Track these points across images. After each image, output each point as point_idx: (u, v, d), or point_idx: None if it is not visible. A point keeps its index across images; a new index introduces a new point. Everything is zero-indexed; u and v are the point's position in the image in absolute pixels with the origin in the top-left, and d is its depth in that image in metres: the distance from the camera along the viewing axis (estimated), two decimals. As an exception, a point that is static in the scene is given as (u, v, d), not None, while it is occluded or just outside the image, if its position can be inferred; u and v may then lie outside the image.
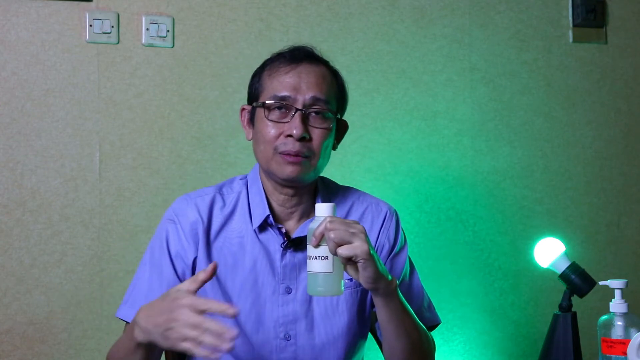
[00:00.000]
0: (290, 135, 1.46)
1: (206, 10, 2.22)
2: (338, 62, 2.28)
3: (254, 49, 2.22)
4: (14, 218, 2.09)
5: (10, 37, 2.10)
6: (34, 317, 2.09)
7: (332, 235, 1.26)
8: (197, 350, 1.19)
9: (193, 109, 2.20)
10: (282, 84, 1.49)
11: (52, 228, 2.10)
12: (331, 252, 1.27)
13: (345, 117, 1.54)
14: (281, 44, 1.60)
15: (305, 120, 1.47)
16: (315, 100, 1.48)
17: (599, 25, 2.50)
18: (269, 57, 1.57)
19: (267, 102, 1.49)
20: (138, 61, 2.17)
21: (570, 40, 2.48)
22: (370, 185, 2.29)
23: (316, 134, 1.48)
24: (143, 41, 2.16)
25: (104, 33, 2.13)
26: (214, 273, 1.26)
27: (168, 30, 2.18)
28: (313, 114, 1.48)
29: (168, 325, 1.22)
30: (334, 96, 1.52)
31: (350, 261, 1.28)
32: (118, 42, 2.15)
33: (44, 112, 2.11)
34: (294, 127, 1.45)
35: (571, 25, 2.48)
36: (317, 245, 1.28)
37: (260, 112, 1.50)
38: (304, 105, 1.47)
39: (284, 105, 1.48)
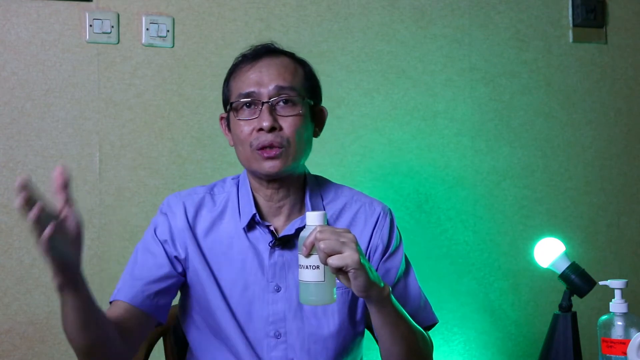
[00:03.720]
0: (261, 129, 1.46)
1: (206, 10, 2.22)
2: (338, 62, 2.31)
3: (254, 49, 2.22)
4: (14, 218, 2.08)
5: (10, 37, 2.10)
6: (34, 317, 2.09)
7: (322, 245, 1.25)
8: (41, 240, 1.18)
9: (193, 109, 2.20)
10: (245, 81, 1.50)
11: (52, 228, 2.10)
12: (322, 263, 1.27)
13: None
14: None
15: (273, 111, 1.48)
16: (279, 90, 1.48)
17: (599, 25, 2.50)
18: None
19: (233, 102, 1.50)
20: (138, 61, 2.17)
21: (570, 40, 2.48)
22: (370, 185, 2.29)
23: (287, 122, 1.48)
24: (143, 41, 2.16)
25: (104, 33, 2.13)
26: (63, 177, 1.24)
27: (168, 30, 2.18)
28: (281, 103, 1.48)
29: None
30: (300, 83, 1.52)
31: (341, 270, 1.27)
32: (118, 42, 2.15)
33: (44, 112, 2.11)
34: (263, 119, 1.46)
35: (571, 25, 2.48)
36: (308, 255, 1.28)
37: (232, 114, 1.52)
38: (269, 97, 1.48)
39: (250, 101, 1.49)
